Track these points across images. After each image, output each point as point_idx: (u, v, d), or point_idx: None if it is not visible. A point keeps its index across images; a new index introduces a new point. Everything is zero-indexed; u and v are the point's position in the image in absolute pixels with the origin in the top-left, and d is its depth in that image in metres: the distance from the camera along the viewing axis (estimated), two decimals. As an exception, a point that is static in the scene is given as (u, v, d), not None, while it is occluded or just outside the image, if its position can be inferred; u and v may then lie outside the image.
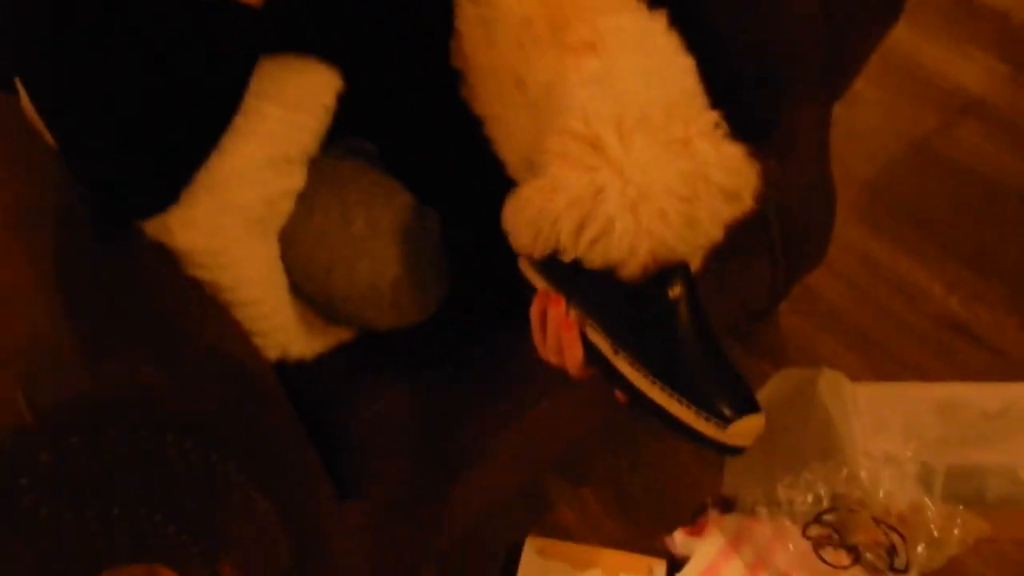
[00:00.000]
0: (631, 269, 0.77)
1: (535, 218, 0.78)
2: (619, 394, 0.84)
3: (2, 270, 0.74)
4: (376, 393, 0.98)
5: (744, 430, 0.77)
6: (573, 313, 0.83)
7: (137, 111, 0.82)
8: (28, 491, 0.69)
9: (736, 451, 0.79)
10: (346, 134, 0.95)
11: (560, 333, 0.84)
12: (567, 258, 0.79)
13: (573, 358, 0.84)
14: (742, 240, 1.25)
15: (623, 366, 0.80)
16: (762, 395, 1.33)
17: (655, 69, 0.85)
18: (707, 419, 0.77)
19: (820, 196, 1.33)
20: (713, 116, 0.83)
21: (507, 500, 1.33)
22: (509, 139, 0.91)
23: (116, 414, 0.72)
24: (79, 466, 0.71)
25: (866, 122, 1.91)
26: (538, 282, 0.86)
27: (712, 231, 0.81)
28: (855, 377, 1.35)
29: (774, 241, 1.30)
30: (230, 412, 0.84)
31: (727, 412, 0.76)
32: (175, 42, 0.82)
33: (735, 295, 1.35)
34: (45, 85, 0.82)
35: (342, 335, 0.99)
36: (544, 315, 0.85)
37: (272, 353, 0.94)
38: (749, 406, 0.78)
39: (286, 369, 0.97)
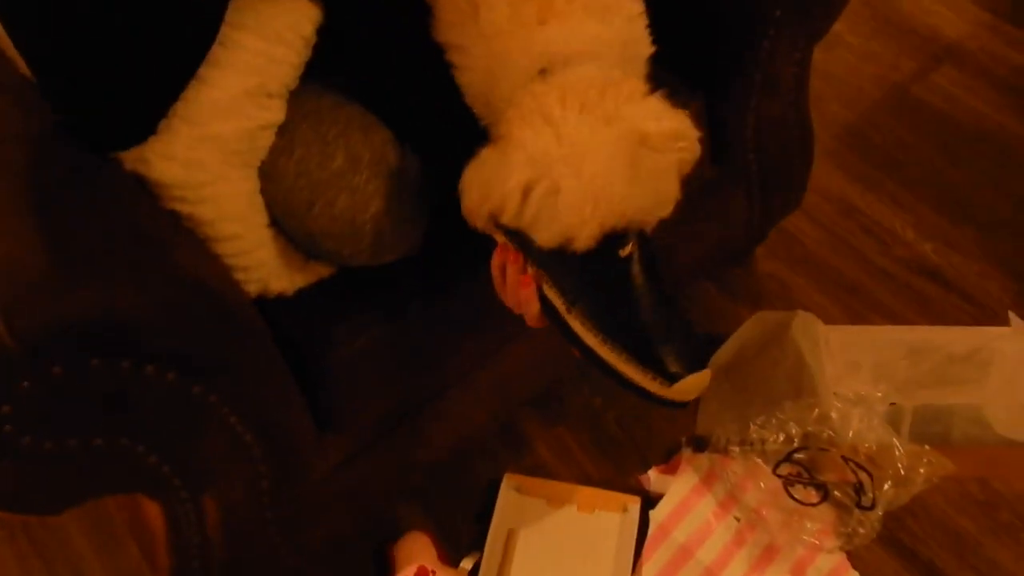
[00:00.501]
0: (582, 240, 0.79)
1: (487, 179, 0.81)
2: (575, 352, 0.86)
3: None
4: (356, 328, 0.98)
5: (688, 387, 0.80)
6: (531, 270, 0.86)
7: (113, 39, 0.80)
8: (10, 419, 0.69)
9: (681, 405, 0.82)
10: (324, 71, 0.94)
11: (518, 288, 0.87)
12: (513, 224, 0.81)
13: (530, 311, 0.87)
14: (720, 177, 1.26)
15: (575, 323, 0.83)
16: (737, 337, 1.35)
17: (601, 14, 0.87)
18: (653, 378, 0.80)
19: (798, 135, 1.33)
20: (641, 82, 0.86)
21: (484, 438, 1.35)
22: (466, 70, 0.91)
23: (98, 343, 0.72)
24: (61, 395, 0.71)
25: (844, 67, 1.92)
26: (498, 236, 0.87)
27: (660, 189, 0.83)
28: (829, 320, 1.37)
29: (752, 178, 1.31)
30: (212, 344, 0.83)
31: (673, 370, 0.80)
32: None
33: (714, 236, 1.36)
34: (20, 12, 0.80)
35: (322, 271, 0.99)
36: (504, 268, 0.89)
37: (252, 288, 0.94)
38: (695, 364, 0.81)
39: (266, 304, 0.96)
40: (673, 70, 1.15)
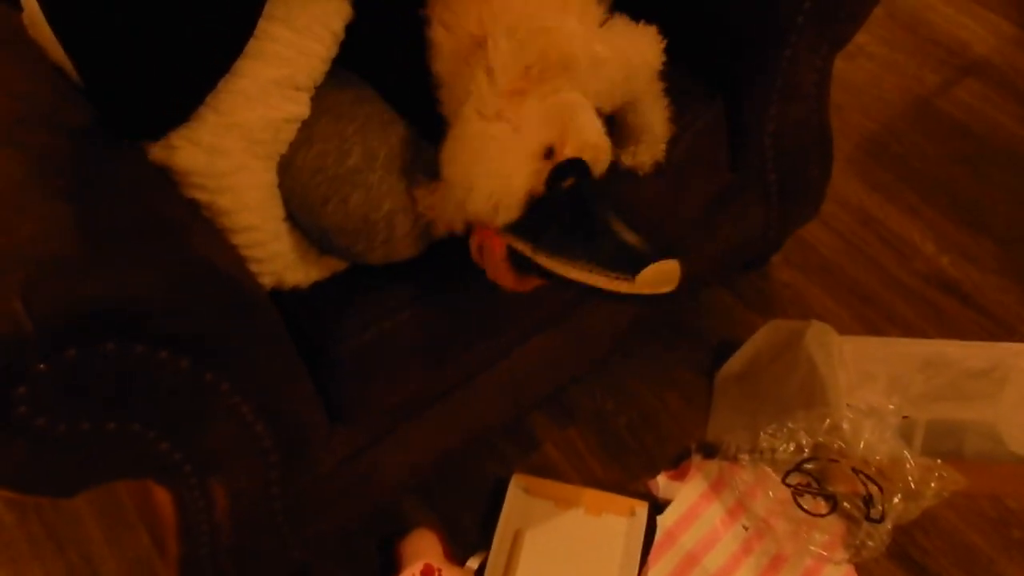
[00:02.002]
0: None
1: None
2: (541, 282, 0.92)
3: (5, 177, 0.73)
4: (368, 322, 0.98)
5: (653, 277, 0.84)
6: (499, 238, 0.90)
7: (153, 29, 0.81)
8: (26, 400, 0.69)
9: (659, 299, 0.86)
10: (347, 66, 0.94)
11: (494, 261, 0.92)
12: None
13: (506, 279, 0.93)
14: (737, 184, 1.26)
15: (543, 260, 0.88)
16: (751, 344, 1.35)
17: None
18: (617, 277, 0.85)
19: (817, 144, 1.33)
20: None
21: (494, 436, 1.35)
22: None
23: (114, 327, 0.72)
24: (76, 378, 0.72)
25: (867, 76, 1.91)
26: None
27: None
28: (844, 330, 1.36)
29: (770, 186, 1.31)
30: (226, 332, 0.84)
31: (630, 267, 0.84)
32: None
33: (730, 240, 1.36)
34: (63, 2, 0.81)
35: (336, 266, 0.99)
36: (480, 247, 0.93)
37: (267, 281, 0.94)
38: (656, 254, 0.85)
39: (280, 296, 0.97)
40: (693, 73, 1.15)
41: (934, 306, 1.51)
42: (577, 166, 0.87)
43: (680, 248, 0.90)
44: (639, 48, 0.99)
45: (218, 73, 0.85)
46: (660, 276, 0.85)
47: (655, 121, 1.07)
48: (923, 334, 1.46)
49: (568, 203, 0.87)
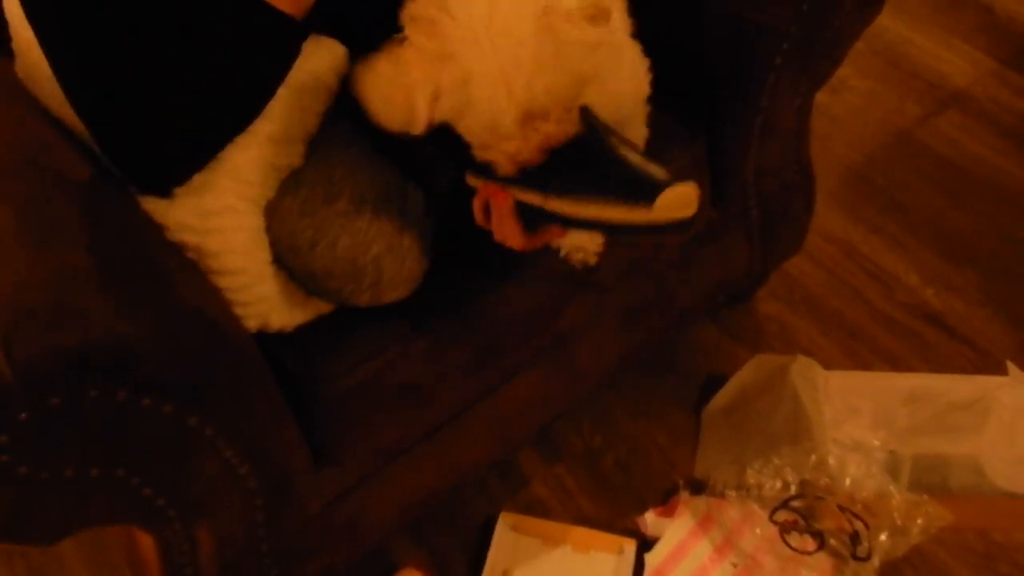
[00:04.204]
0: (507, 126, 0.79)
1: (390, 90, 0.80)
2: (556, 230, 0.90)
3: (-14, 227, 0.74)
4: (353, 363, 0.99)
5: (672, 200, 0.79)
6: (505, 193, 0.87)
7: (172, 100, 0.83)
8: (7, 449, 0.69)
9: (679, 226, 0.81)
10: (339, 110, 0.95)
11: (502, 217, 0.88)
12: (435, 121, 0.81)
13: (515, 237, 0.89)
14: (720, 220, 1.27)
15: (556, 206, 0.84)
16: (737, 379, 1.36)
17: None
18: (634, 206, 0.80)
19: (799, 179, 1.34)
20: None
21: (482, 474, 1.35)
22: None
23: (96, 374, 0.72)
24: (58, 426, 0.72)
25: (849, 109, 1.93)
26: (474, 181, 0.89)
27: (575, 67, 0.80)
28: (829, 364, 1.37)
29: (752, 222, 1.32)
30: (210, 377, 0.84)
31: (646, 194, 0.79)
32: (217, 38, 0.84)
33: (713, 276, 1.37)
34: (81, 65, 0.82)
35: (322, 307, 1.00)
36: (485, 205, 0.90)
37: (252, 323, 0.95)
38: (669, 179, 0.80)
39: (265, 338, 0.97)
40: (675, 112, 1.17)
41: (919, 338, 1.52)
42: (585, 113, 0.83)
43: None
44: (637, 73, 0.99)
45: (224, 142, 0.87)
46: (678, 200, 0.80)
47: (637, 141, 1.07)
48: (908, 366, 1.47)
49: (573, 144, 0.82)
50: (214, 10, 0.83)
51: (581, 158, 0.82)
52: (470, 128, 0.81)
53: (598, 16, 0.79)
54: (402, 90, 0.79)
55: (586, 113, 0.83)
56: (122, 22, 0.80)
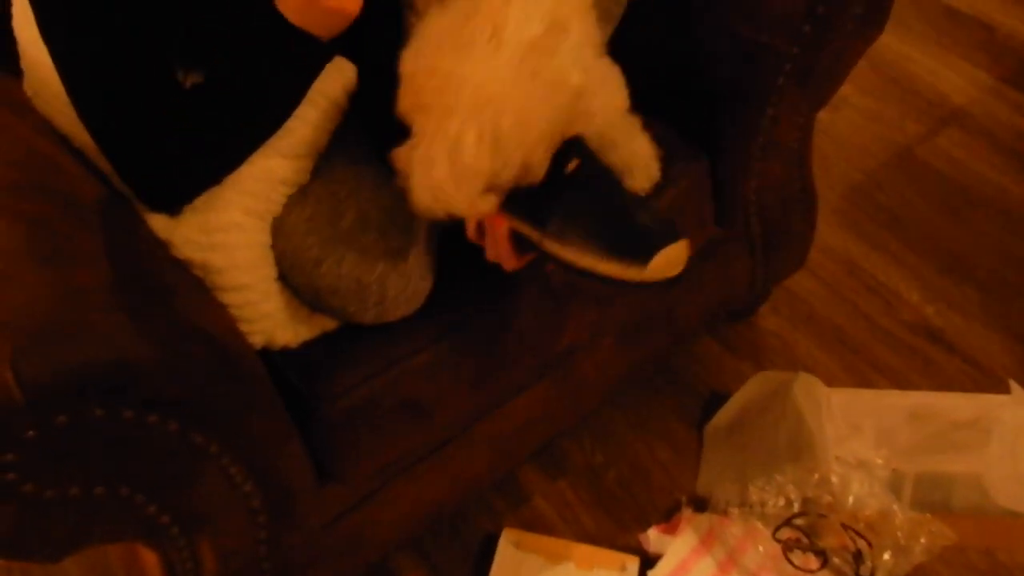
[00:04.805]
0: (507, 174, 0.80)
1: (425, 186, 0.81)
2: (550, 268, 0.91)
3: (-5, 248, 0.74)
4: (358, 380, 0.99)
5: (664, 262, 0.82)
6: (501, 219, 0.88)
7: (188, 118, 0.84)
8: (14, 467, 0.70)
9: (667, 284, 0.84)
10: (346, 125, 0.96)
11: (496, 241, 0.90)
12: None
13: (510, 259, 0.91)
14: (722, 237, 1.28)
15: (550, 246, 0.86)
16: (739, 397, 1.36)
17: None
18: (629, 266, 0.82)
19: (800, 198, 1.35)
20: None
21: (485, 490, 1.35)
22: None
23: (102, 392, 0.73)
24: (64, 444, 0.72)
25: (850, 127, 1.94)
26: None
27: (559, 98, 0.81)
28: (831, 380, 1.37)
29: (754, 239, 1.33)
30: (215, 395, 0.84)
31: (641, 253, 0.82)
32: (240, 57, 0.85)
33: (715, 292, 1.37)
34: (95, 83, 0.83)
35: (327, 324, 1.00)
36: (480, 225, 0.92)
37: (257, 340, 0.95)
38: (666, 238, 0.83)
39: (270, 354, 0.97)
40: (678, 131, 1.18)
41: (920, 355, 1.52)
42: (579, 147, 0.85)
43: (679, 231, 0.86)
44: (610, 89, 1.00)
45: (248, 153, 0.88)
46: (671, 260, 0.83)
47: (638, 148, 1.08)
48: (909, 383, 1.47)
49: (573, 185, 0.84)
50: (239, 28, 0.84)
51: (579, 203, 0.84)
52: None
53: (563, 31, 0.79)
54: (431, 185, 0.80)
55: (581, 149, 0.84)
56: (139, 39, 0.80)
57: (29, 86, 0.93)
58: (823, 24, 1.07)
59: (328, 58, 0.91)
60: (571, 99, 0.80)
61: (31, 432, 0.69)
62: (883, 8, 1.11)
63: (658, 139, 1.10)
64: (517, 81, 0.77)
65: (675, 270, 0.84)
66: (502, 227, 0.88)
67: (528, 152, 0.79)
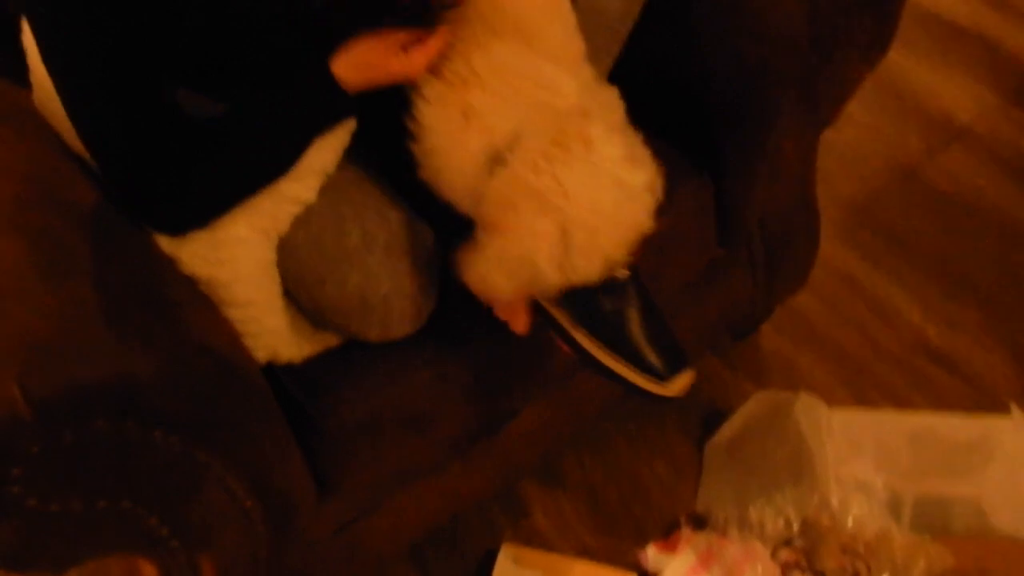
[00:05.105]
0: (594, 275, 0.88)
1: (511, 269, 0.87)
2: (565, 349, 0.96)
3: (5, 261, 0.74)
4: (360, 396, 0.99)
5: (678, 383, 0.93)
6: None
7: (205, 153, 0.85)
8: (20, 481, 0.70)
9: (672, 400, 0.95)
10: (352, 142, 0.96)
11: (515, 310, 0.96)
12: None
13: (520, 323, 0.97)
14: (725, 258, 1.28)
15: (581, 337, 0.94)
16: (740, 415, 1.36)
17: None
18: (648, 378, 0.92)
19: (803, 218, 1.36)
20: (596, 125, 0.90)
21: (484, 505, 1.35)
22: (422, 167, 0.96)
23: (108, 408, 0.73)
24: (69, 459, 0.72)
25: (854, 143, 1.94)
26: None
27: (639, 223, 0.89)
28: (832, 399, 1.37)
29: (757, 259, 1.33)
30: (219, 411, 0.85)
31: (663, 371, 0.92)
32: (270, 99, 0.87)
33: (716, 310, 1.38)
34: (100, 110, 0.83)
35: (330, 341, 1.00)
36: None
37: (261, 355, 0.95)
38: (681, 364, 0.94)
39: (274, 369, 0.98)
40: (683, 152, 1.18)
41: (921, 375, 1.52)
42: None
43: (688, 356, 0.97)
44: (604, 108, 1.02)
45: (262, 187, 0.89)
46: (682, 383, 0.93)
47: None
48: (910, 403, 1.47)
49: (616, 290, 0.91)
50: (277, 70, 0.85)
51: (619, 308, 0.92)
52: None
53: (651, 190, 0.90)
54: (525, 263, 0.87)
55: (633, 268, 0.91)
56: (143, 68, 0.80)
57: (38, 99, 0.94)
58: (827, 46, 1.08)
59: (356, 110, 0.92)
60: (649, 204, 0.89)
61: (36, 447, 0.69)
62: (888, 31, 1.12)
63: (661, 158, 1.10)
64: (609, 192, 0.86)
65: (680, 392, 0.94)
66: (523, 301, 0.94)
67: (607, 259, 0.87)
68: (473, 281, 0.89)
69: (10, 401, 0.66)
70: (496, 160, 0.88)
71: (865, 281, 1.67)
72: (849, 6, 1.06)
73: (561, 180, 0.84)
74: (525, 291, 0.88)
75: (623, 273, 0.91)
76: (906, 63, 2.11)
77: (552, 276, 0.86)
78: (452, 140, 0.90)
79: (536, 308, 0.95)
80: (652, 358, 0.92)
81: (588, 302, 0.91)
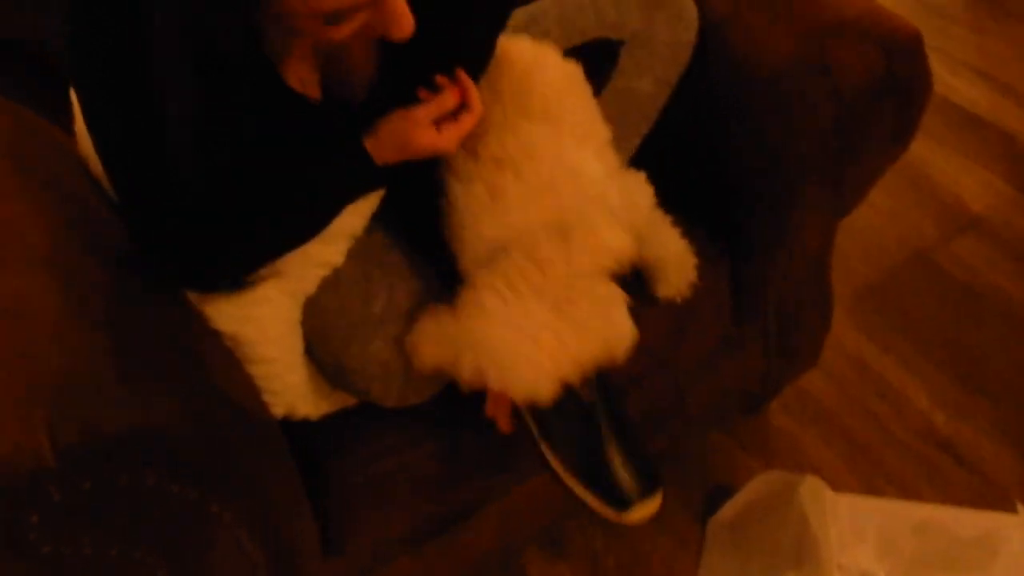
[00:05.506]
0: (541, 397, 0.87)
1: (439, 341, 0.90)
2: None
3: (41, 307, 0.76)
4: (373, 457, 1.00)
5: (638, 514, 0.94)
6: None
7: (240, 218, 0.87)
8: (36, 527, 0.71)
9: (626, 528, 0.96)
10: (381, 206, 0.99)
11: (498, 407, 0.98)
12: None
13: (505, 424, 0.99)
14: (738, 335, 1.29)
15: (545, 450, 0.96)
16: (744, 494, 1.36)
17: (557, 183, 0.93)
18: (607, 504, 0.93)
19: (818, 300, 1.37)
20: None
21: (486, 571, 1.35)
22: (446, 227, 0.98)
23: (130, 458, 0.74)
24: (87, 506, 0.73)
25: (869, 225, 1.95)
26: None
27: (611, 335, 0.90)
28: (837, 482, 1.37)
29: (770, 338, 1.34)
30: (234, 463, 0.85)
31: (625, 499, 0.93)
32: (309, 172, 0.89)
33: (726, 385, 1.38)
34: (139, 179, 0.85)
35: (347, 400, 1.02)
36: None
37: (279, 410, 0.96)
38: (645, 491, 0.93)
39: (290, 425, 0.99)
40: (701, 229, 1.20)
41: (928, 463, 1.52)
42: (602, 382, 0.92)
43: (661, 477, 0.97)
44: (632, 193, 1.05)
45: (292, 250, 0.91)
46: (643, 513, 0.94)
47: (670, 246, 1.11)
48: (916, 491, 1.47)
49: (584, 414, 0.92)
50: (309, 142, 0.87)
51: (584, 433, 0.93)
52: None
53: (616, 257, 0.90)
54: (451, 352, 0.89)
55: (604, 385, 0.93)
56: (185, 138, 0.82)
57: (82, 148, 0.96)
58: (852, 138, 1.10)
59: (387, 181, 0.94)
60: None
61: (58, 495, 0.70)
62: (911, 126, 1.15)
63: (684, 232, 1.12)
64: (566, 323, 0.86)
65: (642, 520, 0.94)
66: (507, 402, 0.96)
67: (556, 383, 0.86)
68: (424, 343, 0.90)
69: (37, 448, 0.67)
70: (501, 249, 0.90)
71: (874, 363, 1.68)
72: (873, 96, 1.08)
73: (530, 304, 0.85)
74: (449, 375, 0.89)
75: (589, 395, 0.92)
76: (924, 149, 2.13)
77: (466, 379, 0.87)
78: (475, 218, 0.92)
79: (515, 411, 0.97)
80: (618, 483, 0.93)
81: (550, 419, 0.93)
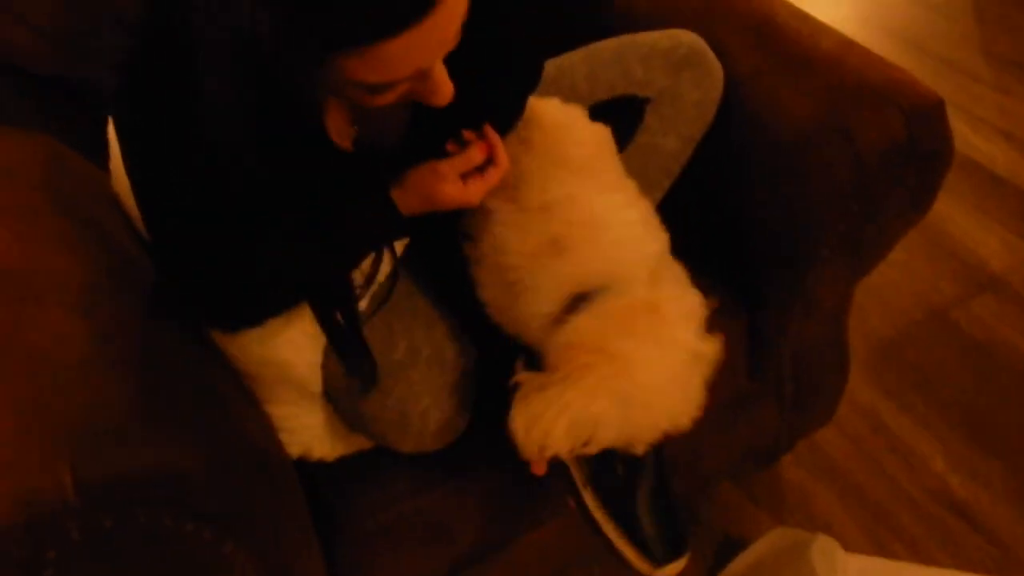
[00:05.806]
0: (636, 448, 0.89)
1: (535, 418, 0.87)
2: (571, 505, 0.98)
3: (67, 345, 0.77)
4: (387, 501, 1.01)
5: (672, 571, 0.95)
6: None
7: (269, 263, 0.88)
8: (51, 564, 0.71)
9: None
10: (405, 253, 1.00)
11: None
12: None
13: (540, 468, 0.97)
14: (755, 391, 1.29)
15: (588, 498, 0.95)
16: (754, 550, 1.35)
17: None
18: (643, 558, 0.94)
19: (835, 357, 1.37)
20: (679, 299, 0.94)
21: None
22: (486, 286, 0.99)
23: (150, 498, 0.75)
24: (104, 546, 0.74)
25: (887, 282, 1.95)
26: None
27: (695, 398, 0.92)
28: (848, 541, 1.36)
29: (785, 394, 1.34)
30: (249, 504, 0.86)
31: (660, 555, 0.94)
32: (335, 220, 0.90)
33: (740, 440, 1.38)
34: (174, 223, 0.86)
35: (363, 443, 1.02)
36: None
37: (295, 451, 0.97)
38: (679, 551, 0.95)
39: (304, 466, 1.00)
40: (720, 285, 1.20)
41: (941, 526, 1.50)
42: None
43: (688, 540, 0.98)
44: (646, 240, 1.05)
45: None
46: (675, 570, 0.94)
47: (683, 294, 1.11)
48: (928, 553, 1.45)
49: (634, 468, 0.93)
50: (338, 189, 0.89)
51: (631, 484, 0.94)
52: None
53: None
54: (551, 424, 0.87)
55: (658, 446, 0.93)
56: (219, 185, 0.84)
57: (116, 184, 0.98)
58: (871, 203, 1.11)
59: (411, 231, 0.95)
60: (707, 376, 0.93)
61: (77, 534, 0.71)
62: (932, 192, 1.15)
63: (700, 290, 1.13)
64: (678, 380, 0.88)
65: None
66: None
67: (660, 430, 0.88)
68: (523, 424, 0.86)
69: (60, 486, 0.68)
70: (581, 298, 0.90)
71: (890, 421, 1.67)
72: (894, 162, 1.09)
73: (629, 350, 0.86)
74: (577, 448, 0.87)
75: (645, 450, 0.92)
76: (943, 207, 2.13)
77: (609, 438, 0.87)
78: (540, 266, 0.92)
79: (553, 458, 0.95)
80: (652, 538, 0.93)
81: (604, 463, 0.92)
